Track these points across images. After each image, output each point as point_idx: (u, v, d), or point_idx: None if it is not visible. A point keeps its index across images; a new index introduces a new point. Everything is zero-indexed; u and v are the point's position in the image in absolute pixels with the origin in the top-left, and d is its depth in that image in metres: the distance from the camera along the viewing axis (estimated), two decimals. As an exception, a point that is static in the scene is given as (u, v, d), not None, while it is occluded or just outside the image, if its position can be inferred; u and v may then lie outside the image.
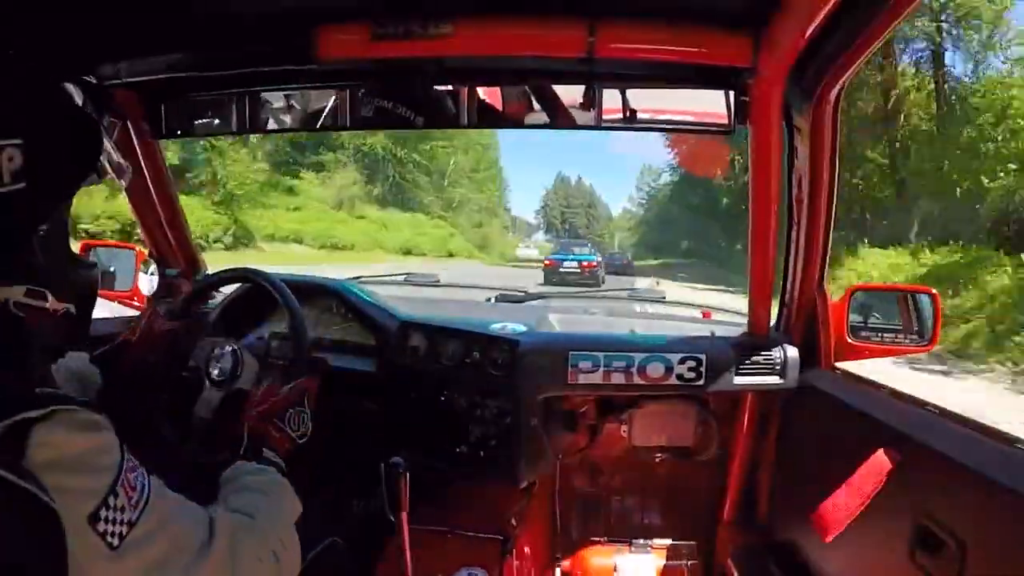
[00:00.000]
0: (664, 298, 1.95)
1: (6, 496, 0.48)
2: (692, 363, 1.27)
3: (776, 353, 1.28)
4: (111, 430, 0.58)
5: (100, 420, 0.57)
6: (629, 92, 1.13)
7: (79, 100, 0.67)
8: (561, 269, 16.10)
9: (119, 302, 1.66)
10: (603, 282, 15.51)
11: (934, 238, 12.20)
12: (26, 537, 0.49)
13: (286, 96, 1.27)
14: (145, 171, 1.45)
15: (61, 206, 0.65)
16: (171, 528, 0.59)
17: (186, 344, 1.13)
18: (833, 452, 1.15)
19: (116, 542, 0.54)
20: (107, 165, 0.75)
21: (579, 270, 16.18)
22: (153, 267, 1.64)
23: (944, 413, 0.95)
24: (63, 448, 0.52)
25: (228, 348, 1.12)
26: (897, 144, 16.05)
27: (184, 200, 1.67)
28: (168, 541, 0.58)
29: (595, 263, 16.98)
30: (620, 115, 1.13)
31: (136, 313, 1.66)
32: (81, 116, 0.66)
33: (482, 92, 1.18)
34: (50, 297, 0.62)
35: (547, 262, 17.12)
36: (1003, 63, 13.36)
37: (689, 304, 1.90)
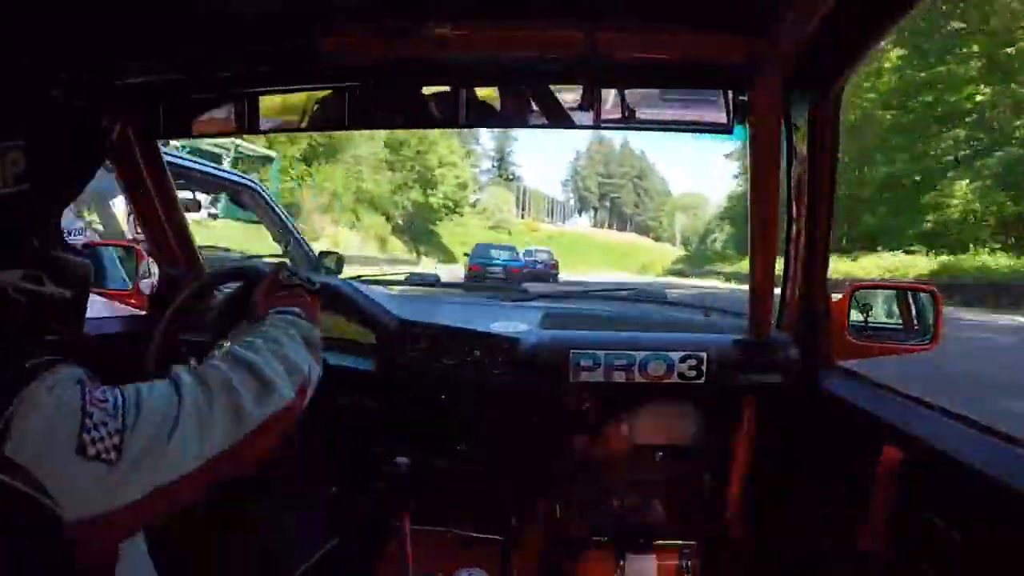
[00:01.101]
0: (666, 298, 1.95)
1: None
2: (693, 362, 1.27)
3: (777, 352, 1.28)
4: (72, 372, 0.56)
5: (71, 371, 0.56)
6: (628, 92, 1.13)
7: (79, 100, 0.67)
8: (487, 275, 16.38)
9: (120, 301, 1.67)
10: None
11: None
12: (12, 532, 0.48)
13: (286, 96, 1.27)
14: (145, 171, 1.45)
15: (64, 206, 0.66)
16: (146, 415, 0.57)
17: (183, 345, 1.13)
18: (835, 451, 1.15)
19: (114, 456, 0.53)
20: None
21: (504, 276, 16.46)
22: (153, 266, 1.64)
23: (947, 412, 0.95)
24: (32, 412, 0.51)
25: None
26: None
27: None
28: (152, 424, 0.56)
29: (523, 269, 17.72)
30: (619, 115, 1.13)
31: (137, 312, 1.66)
32: (82, 116, 0.66)
33: (481, 92, 1.19)
34: (47, 281, 0.61)
35: (472, 266, 17.59)
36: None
37: (690, 304, 1.90)
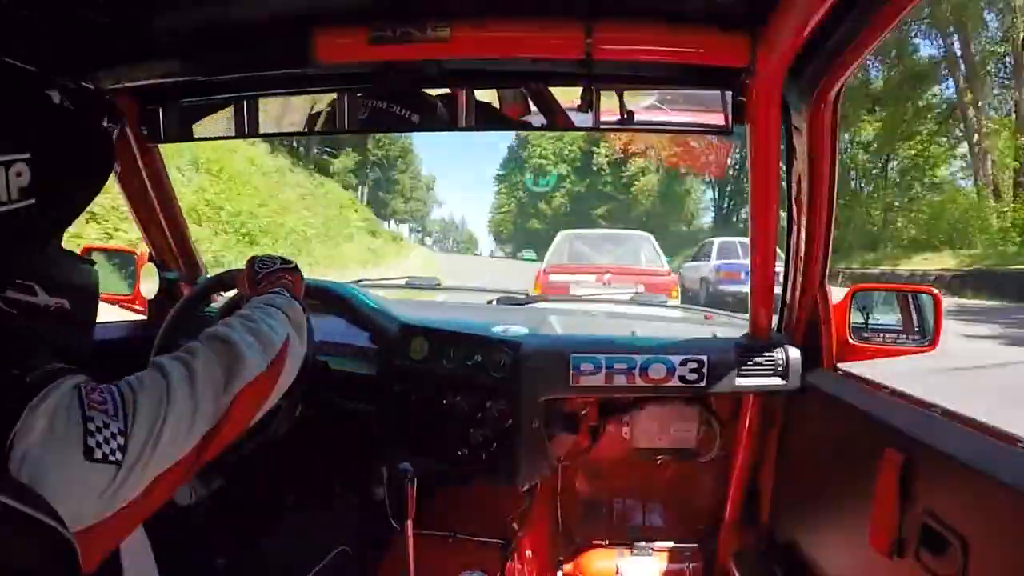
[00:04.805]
0: (665, 302, 1.95)
1: None
2: (694, 364, 1.27)
3: (778, 354, 1.28)
4: (71, 380, 0.55)
5: (70, 380, 0.55)
6: (626, 93, 1.13)
7: (78, 102, 0.66)
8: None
9: (120, 305, 1.66)
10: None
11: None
12: (17, 553, 0.47)
13: (284, 100, 1.27)
14: (145, 175, 1.45)
15: (69, 222, 0.64)
16: (142, 410, 0.57)
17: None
18: (835, 453, 1.15)
19: (120, 456, 0.53)
20: None
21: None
22: (154, 270, 1.64)
23: (947, 413, 0.95)
24: (35, 426, 0.50)
25: None
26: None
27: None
28: (148, 418, 0.57)
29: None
30: (617, 116, 1.13)
31: (138, 316, 1.66)
32: (94, 131, 0.64)
33: (480, 94, 1.19)
34: (39, 291, 0.60)
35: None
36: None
37: (691, 307, 1.90)
